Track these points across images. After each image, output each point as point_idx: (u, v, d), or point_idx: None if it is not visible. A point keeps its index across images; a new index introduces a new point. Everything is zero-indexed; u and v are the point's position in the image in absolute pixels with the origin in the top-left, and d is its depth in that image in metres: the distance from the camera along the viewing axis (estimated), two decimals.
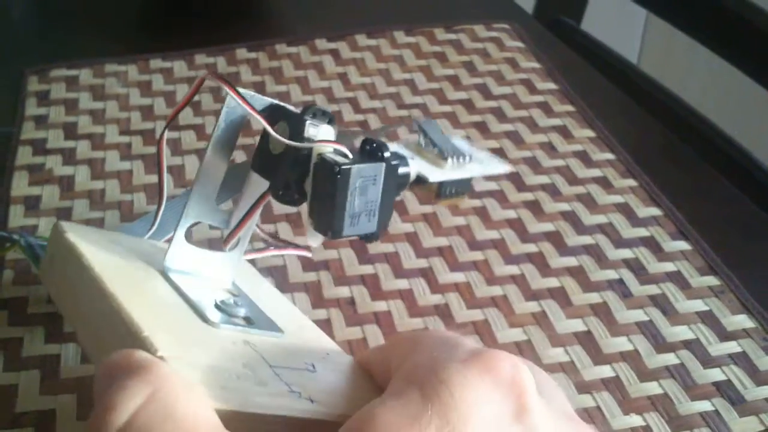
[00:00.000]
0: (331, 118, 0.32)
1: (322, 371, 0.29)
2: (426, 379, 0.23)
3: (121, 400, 0.23)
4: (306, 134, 0.31)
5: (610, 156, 0.57)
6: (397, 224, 0.51)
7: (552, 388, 0.28)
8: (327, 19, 0.75)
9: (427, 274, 0.47)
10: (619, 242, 0.50)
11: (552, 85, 0.65)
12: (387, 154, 0.31)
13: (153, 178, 0.54)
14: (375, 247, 0.49)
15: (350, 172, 0.30)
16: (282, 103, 0.33)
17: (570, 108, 0.63)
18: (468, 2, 0.79)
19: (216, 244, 0.39)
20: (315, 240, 0.31)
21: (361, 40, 0.70)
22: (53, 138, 0.58)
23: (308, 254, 0.44)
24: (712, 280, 0.47)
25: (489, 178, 0.55)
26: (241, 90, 0.32)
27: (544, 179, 0.55)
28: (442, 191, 0.34)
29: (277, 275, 0.47)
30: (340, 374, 0.30)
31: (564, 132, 0.60)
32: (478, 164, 0.35)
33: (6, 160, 0.55)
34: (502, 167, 0.36)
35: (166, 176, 0.35)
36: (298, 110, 0.33)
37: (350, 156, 0.30)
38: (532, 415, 0.23)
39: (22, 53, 0.68)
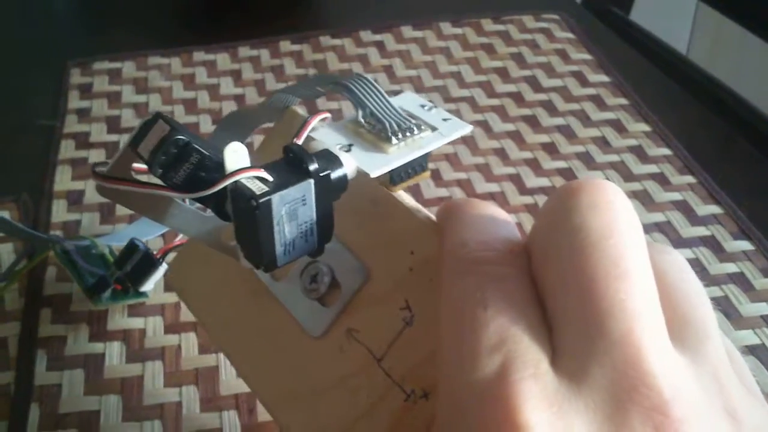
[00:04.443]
0: (184, 147, 0.25)
1: (417, 309, 0.26)
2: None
3: None
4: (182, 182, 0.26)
5: (666, 151, 0.55)
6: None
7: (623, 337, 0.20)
8: (372, 11, 0.73)
9: None
10: (679, 242, 0.48)
11: (604, 77, 0.63)
12: (313, 167, 0.25)
13: None
14: None
15: (271, 203, 0.24)
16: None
17: (623, 101, 0.60)
18: None
19: None
20: (248, 263, 0.26)
21: (407, 31, 0.69)
22: (96, 131, 0.57)
23: None
24: None
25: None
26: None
27: (598, 175, 0.53)
28: (394, 178, 0.28)
29: None
30: (434, 300, 0.25)
31: (618, 126, 0.58)
32: (431, 132, 0.28)
33: (49, 153, 0.55)
34: (460, 129, 0.29)
35: None
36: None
37: (269, 179, 0.25)
38: None
39: (64, 45, 0.68)
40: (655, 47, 0.86)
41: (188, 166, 0.25)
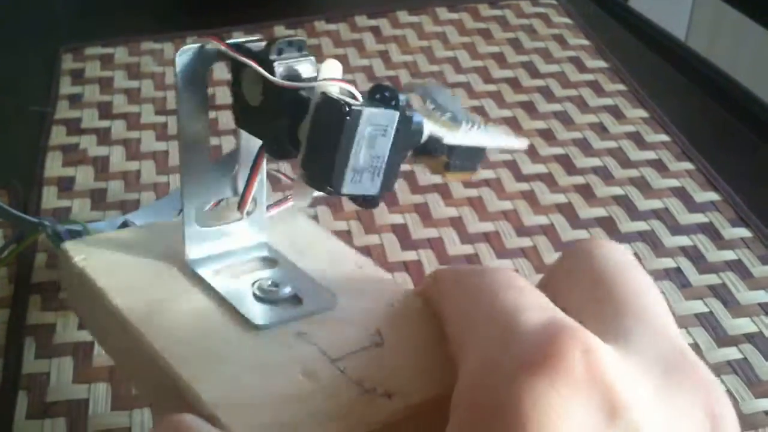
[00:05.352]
0: (300, 46, 0.27)
1: (389, 338, 0.26)
2: (492, 413, 0.19)
3: None
4: (282, 74, 0.26)
5: (664, 137, 0.55)
6: (440, 208, 0.49)
7: (652, 311, 0.22)
8: None
9: (472, 261, 0.45)
10: (676, 229, 0.47)
11: (602, 63, 0.63)
12: (402, 103, 0.26)
13: None
14: (418, 232, 0.47)
15: (361, 114, 0.25)
16: (244, 40, 0.29)
17: (621, 87, 0.60)
18: None
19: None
20: (304, 197, 0.27)
21: (403, 16, 0.68)
22: (88, 118, 0.56)
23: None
24: None
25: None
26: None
27: (595, 161, 0.53)
28: (452, 162, 0.29)
29: None
30: (408, 332, 0.27)
31: (615, 112, 0.57)
32: (493, 134, 0.30)
33: (40, 139, 0.54)
34: (518, 142, 0.31)
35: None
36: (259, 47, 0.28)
37: (360, 98, 0.26)
38: (627, 412, 0.19)
39: (56, 31, 0.67)
40: (653, 33, 0.85)
41: (297, 59, 0.27)
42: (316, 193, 0.27)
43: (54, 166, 0.52)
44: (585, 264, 0.24)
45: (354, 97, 0.26)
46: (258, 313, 0.28)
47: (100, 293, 0.28)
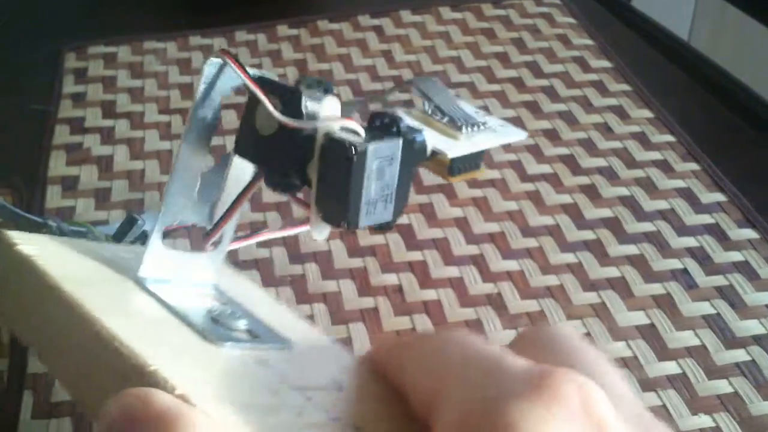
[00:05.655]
0: (328, 87, 0.28)
1: (348, 385, 0.26)
2: (487, 430, 0.19)
3: None
4: (304, 110, 0.26)
5: (669, 138, 0.55)
6: (445, 209, 0.49)
7: (613, 378, 0.24)
8: None
9: (478, 261, 0.45)
10: (682, 229, 0.47)
11: (606, 63, 0.62)
12: (403, 127, 0.27)
13: None
14: (423, 233, 0.47)
15: (366, 153, 0.25)
16: (270, 75, 0.28)
17: (626, 87, 0.60)
18: None
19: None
20: (321, 232, 0.27)
21: (406, 16, 0.68)
22: (91, 117, 0.56)
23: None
24: None
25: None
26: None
27: (600, 162, 0.52)
28: (455, 167, 0.30)
29: (322, 260, 0.45)
30: (365, 386, 0.27)
31: (620, 112, 0.57)
32: (493, 132, 0.31)
33: (43, 139, 0.54)
34: (518, 134, 0.32)
35: None
36: (288, 83, 0.28)
37: (362, 133, 0.26)
38: None
39: (59, 30, 0.67)
40: (657, 33, 0.85)
41: (318, 97, 0.27)
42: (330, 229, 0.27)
43: (57, 165, 0.52)
44: (540, 348, 0.24)
45: (356, 132, 0.26)
46: (216, 332, 0.27)
47: (50, 282, 0.25)
